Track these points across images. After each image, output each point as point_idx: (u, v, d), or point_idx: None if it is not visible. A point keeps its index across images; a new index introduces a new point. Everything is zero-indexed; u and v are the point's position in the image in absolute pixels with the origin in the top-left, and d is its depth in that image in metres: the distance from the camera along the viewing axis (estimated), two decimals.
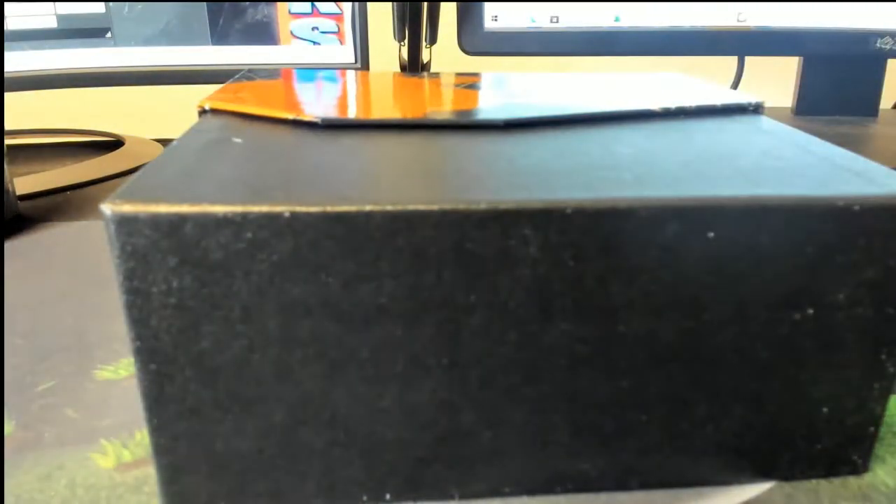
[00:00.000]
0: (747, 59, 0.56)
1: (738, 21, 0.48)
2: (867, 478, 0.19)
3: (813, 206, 0.15)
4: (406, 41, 0.54)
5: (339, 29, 0.55)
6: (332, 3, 0.54)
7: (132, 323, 0.15)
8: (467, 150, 0.19)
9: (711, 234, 0.15)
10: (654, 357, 0.17)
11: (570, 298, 0.16)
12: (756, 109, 0.25)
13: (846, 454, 0.19)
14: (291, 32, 0.55)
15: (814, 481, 0.19)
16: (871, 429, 0.18)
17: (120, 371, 0.24)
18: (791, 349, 0.17)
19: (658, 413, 0.17)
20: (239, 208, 0.14)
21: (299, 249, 0.15)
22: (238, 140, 0.18)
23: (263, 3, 0.53)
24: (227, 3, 0.53)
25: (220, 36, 0.54)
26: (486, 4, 0.48)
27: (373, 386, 0.16)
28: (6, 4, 0.47)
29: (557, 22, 0.49)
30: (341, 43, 0.56)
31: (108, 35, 0.52)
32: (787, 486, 0.19)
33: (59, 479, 0.19)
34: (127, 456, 0.20)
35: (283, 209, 0.14)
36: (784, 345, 0.17)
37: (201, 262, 0.15)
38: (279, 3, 0.54)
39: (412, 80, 0.31)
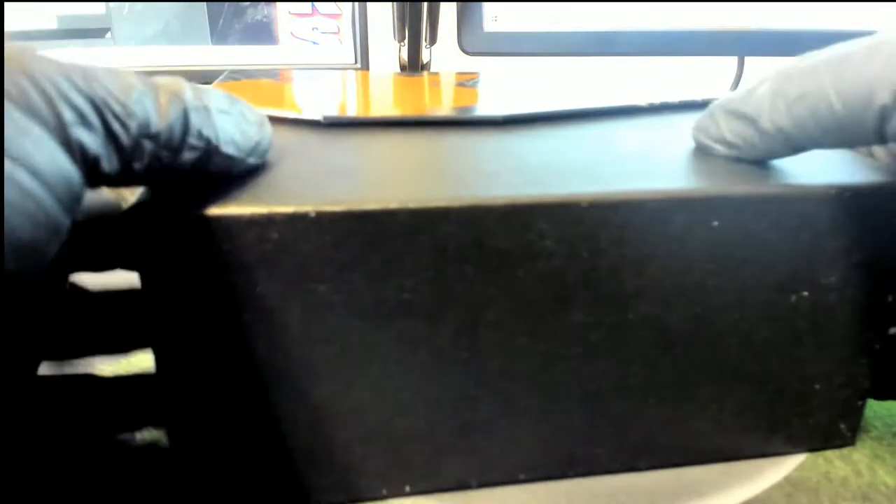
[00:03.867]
0: (747, 59, 0.56)
1: (738, 21, 0.48)
2: (867, 477, 0.19)
3: (808, 195, 0.16)
4: (406, 41, 0.54)
5: (338, 29, 0.55)
6: (332, 3, 0.54)
7: (157, 325, 0.15)
8: (477, 148, 0.19)
9: (716, 223, 0.16)
10: (661, 342, 0.17)
11: (584, 288, 0.16)
12: None
13: (837, 427, 0.19)
14: (291, 32, 0.55)
15: (814, 480, 0.19)
16: (860, 402, 0.19)
17: (120, 371, 0.24)
18: (788, 330, 0.18)
19: (666, 396, 0.18)
20: (265, 209, 0.14)
21: (324, 248, 0.15)
22: None
23: (263, 3, 0.53)
24: (226, 3, 0.53)
25: (219, 36, 0.54)
26: (486, 5, 0.48)
27: (395, 380, 0.16)
28: (6, 4, 0.47)
29: (557, 22, 0.49)
30: (341, 43, 0.56)
31: (108, 35, 0.53)
32: (787, 486, 0.19)
33: None
34: None
35: (309, 209, 0.14)
36: (781, 326, 0.17)
37: (227, 263, 0.15)
38: (279, 3, 0.54)
39: (412, 79, 0.31)
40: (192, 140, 0.13)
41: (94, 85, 0.11)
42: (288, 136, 0.20)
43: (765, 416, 0.19)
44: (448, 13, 0.51)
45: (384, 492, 0.18)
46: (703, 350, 0.17)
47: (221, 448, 0.17)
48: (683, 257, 0.16)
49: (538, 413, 0.17)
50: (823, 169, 0.17)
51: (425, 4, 0.53)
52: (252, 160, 0.16)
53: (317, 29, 0.55)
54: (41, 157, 0.09)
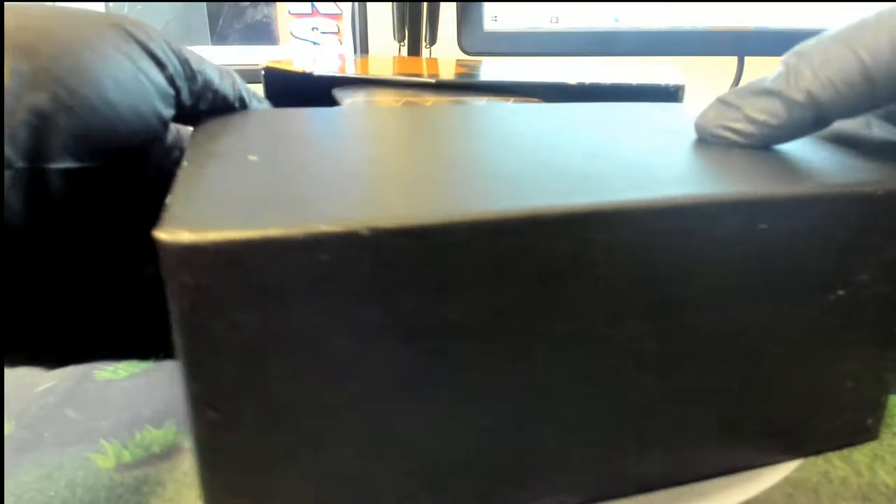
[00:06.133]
0: (747, 59, 0.56)
1: (738, 21, 0.48)
2: (867, 477, 0.19)
3: (845, 194, 0.16)
4: (406, 41, 0.54)
5: (338, 29, 0.55)
6: (332, 3, 0.54)
7: (190, 366, 0.13)
8: (491, 153, 0.18)
9: (763, 226, 0.16)
10: (709, 349, 0.17)
11: (636, 298, 0.16)
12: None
13: (864, 423, 0.19)
14: (291, 33, 0.55)
15: (814, 480, 0.19)
16: (884, 397, 0.19)
17: (120, 371, 0.24)
18: (824, 330, 0.18)
19: (712, 403, 0.18)
20: (315, 229, 0.13)
21: (376, 270, 0.13)
22: (254, 158, 0.17)
23: (263, 3, 0.53)
24: (226, 3, 0.53)
25: (219, 36, 0.54)
26: (486, 4, 0.48)
27: (446, 407, 0.15)
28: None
29: (557, 22, 0.49)
30: (341, 43, 0.56)
31: None
32: (787, 486, 0.19)
33: (59, 479, 0.19)
34: (127, 456, 0.20)
35: (362, 227, 0.13)
36: (818, 326, 0.17)
37: (271, 292, 0.13)
38: (279, 3, 0.54)
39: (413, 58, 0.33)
40: (241, 97, 0.20)
41: (182, 51, 0.18)
42: (297, 146, 0.19)
43: (803, 417, 0.19)
44: (448, 13, 0.51)
45: None
46: (746, 355, 0.17)
47: (266, 485, 0.15)
48: (732, 262, 0.16)
49: (590, 432, 0.17)
50: (847, 169, 0.17)
51: (425, 4, 0.53)
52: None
53: (317, 29, 0.55)
54: (154, 75, 0.17)
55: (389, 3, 0.53)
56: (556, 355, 0.16)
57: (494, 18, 0.49)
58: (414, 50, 0.54)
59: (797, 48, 0.17)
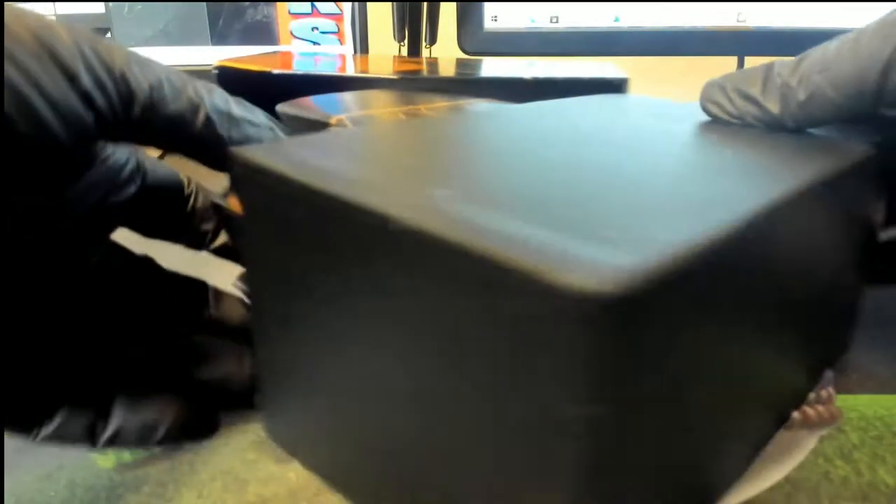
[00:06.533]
0: (747, 59, 0.56)
1: (738, 21, 0.48)
2: (867, 477, 0.19)
3: (874, 156, 0.20)
4: (406, 41, 0.54)
5: (339, 29, 0.56)
6: (332, 3, 0.54)
7: (601, 436, 0.11)
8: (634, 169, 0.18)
9: (843, 191, 0.19)
10: (805, 299, 0.20)
11: (792, 272, 0.18)
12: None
13: (851, 335, 0.24)
14: (291, 32, 0.55)
15: (814, 480, 0.19)
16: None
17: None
18: (856, 258, 0.22)
19: (799, 348, 0.20)
20: (718, 240, 0.11)
21: (713, 281, 0.12)
22: (445, 192, 0.13)
23: (263, 4, 0.54)
24: (226, 3, 0.53)
25: (219, 36, 0.54)
26: (486, 4, 0.48)
27: (720, 398, 0.16)
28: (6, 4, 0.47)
29: (557, 22, 0.49)
30: (341, 43, 0.56)
31: (108, 35, 0.53)
32: (787, 486, 0.19)
33: (59, 479, 0.19)
34: (127, 456, 0.20)
35: (724, 237, 0.12)
36: (855, 256, 0.22)
37: (695, 320, 0.12)
38: (279, 3, 0.54)
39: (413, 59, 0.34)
40: (207, 117, 0.16)
41: (115, 64, 0.15)
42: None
43: (832, 340, 0.23)
44: (448, 13, 0.51)
45: None
46: (818, 297, 0.20)
47: None
48: (828, 224, 0.19)
49: (763, 386, 0.19)
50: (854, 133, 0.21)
51: (425, 4, 0.53)
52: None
53: (317, 29, 0.55)
54: (59, 94, 0.14)
55: (389, 3, 0.53)
56: (757, 332, 0.17)
57: (494, 18, 0.49)
58: (414, 50, 0.54)
59: (786, 75, 0.20)
